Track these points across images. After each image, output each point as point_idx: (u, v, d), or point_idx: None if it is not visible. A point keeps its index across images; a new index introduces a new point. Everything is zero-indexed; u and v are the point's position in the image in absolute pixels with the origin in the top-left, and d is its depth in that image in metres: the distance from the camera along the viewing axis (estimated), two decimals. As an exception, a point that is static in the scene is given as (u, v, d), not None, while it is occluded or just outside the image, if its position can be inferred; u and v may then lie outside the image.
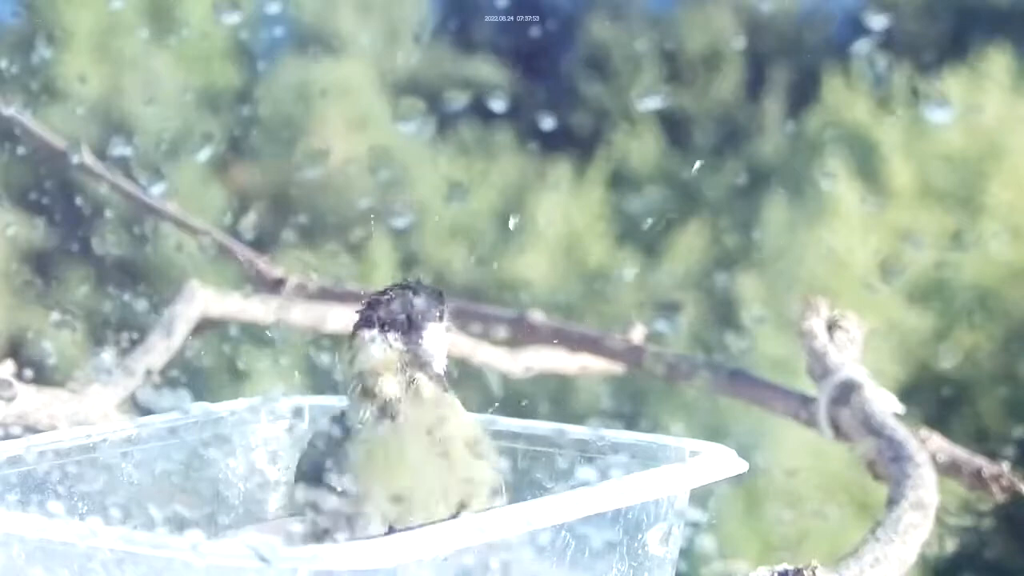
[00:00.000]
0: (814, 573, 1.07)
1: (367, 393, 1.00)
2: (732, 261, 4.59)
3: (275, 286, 1.89)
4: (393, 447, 0.98)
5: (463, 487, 0.99)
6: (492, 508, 0.99)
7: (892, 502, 1.28)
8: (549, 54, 5.21)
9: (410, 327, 1.01)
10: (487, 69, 4.98)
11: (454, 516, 0.97)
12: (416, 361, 1.01)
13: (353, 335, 1.02)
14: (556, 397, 3.53)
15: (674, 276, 4.62)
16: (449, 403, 1.02)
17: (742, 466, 1.09)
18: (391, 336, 1.01)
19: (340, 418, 1.01)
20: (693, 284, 4.60)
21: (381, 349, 1.01)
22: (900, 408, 1.50)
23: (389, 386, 1.00)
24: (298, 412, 1.21)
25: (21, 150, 1.92)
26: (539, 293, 4.38)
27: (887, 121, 4.70)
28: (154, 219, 2.00)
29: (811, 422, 1.57)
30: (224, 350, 1.88)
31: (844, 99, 4.84)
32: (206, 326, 1.76)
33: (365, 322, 1.02)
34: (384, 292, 1.02)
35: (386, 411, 1.00)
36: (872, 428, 1.44)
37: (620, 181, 4.91)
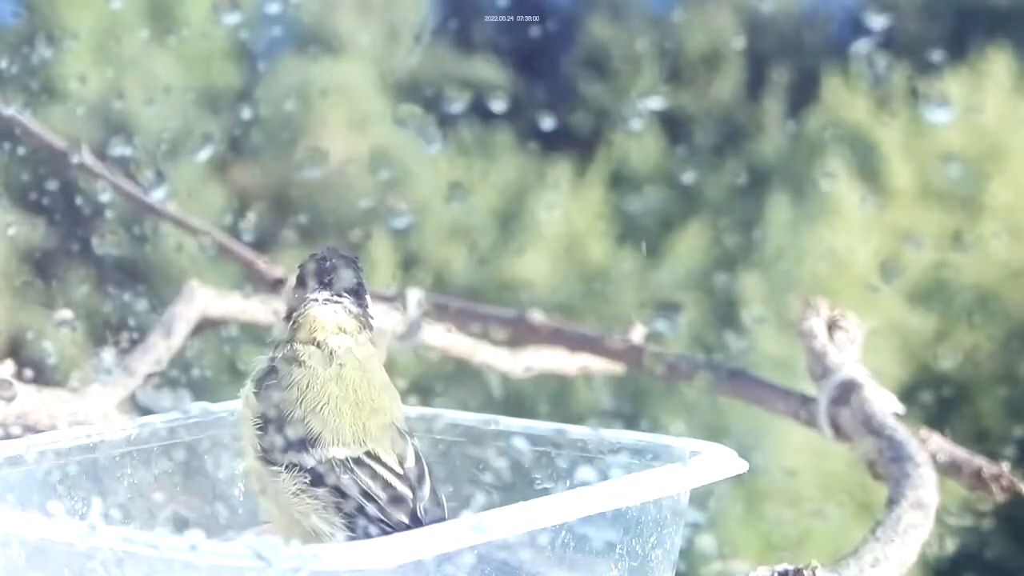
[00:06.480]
0: (814, 573, 1.07)
1: (320, 345, 1.13)
2: (732, 261, 4.59)
3: (275, 286, 1.89)
4: (334, 384, 1.12)
5: (378, 416, 1.12)
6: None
7: (892, 502, 1.28)
8: (549, 54, 5.21)
9: (359, 294, 1.15)
10: (487, 69, 4.97)
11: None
12: (366, 324, 1.15)
13: (303, 292, 1.13)
14: (556, 397, 3.53)
15: (674, 276, 4.62)
16: (376, 357, 1.16)
17: (742, 466, 1.09)
18: (347, 302, 1.14)
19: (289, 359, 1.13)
20: (693, 284, 4.59)
21: (334, 311, 1.13)
22: (900, 408, 1.50)
23: (340, 341, 1.13)
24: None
25: (21, 150, 1.92)
26: (539, 293, 4.38)
27: (887, 121, 4.70)
28: (154, 219, 2.00)
29: (811, 422, 1.57)
30: (224, 350, 1.87)
31: (844, 99, 4.83)
32: (206, 326, 1.76)
33: (320, 283, 1.13)
34: (326, 258, 1.14)
35: (332, 359, 1.13)
36: (872, 428, 1.44)
37: (620, 181, 4.91)
